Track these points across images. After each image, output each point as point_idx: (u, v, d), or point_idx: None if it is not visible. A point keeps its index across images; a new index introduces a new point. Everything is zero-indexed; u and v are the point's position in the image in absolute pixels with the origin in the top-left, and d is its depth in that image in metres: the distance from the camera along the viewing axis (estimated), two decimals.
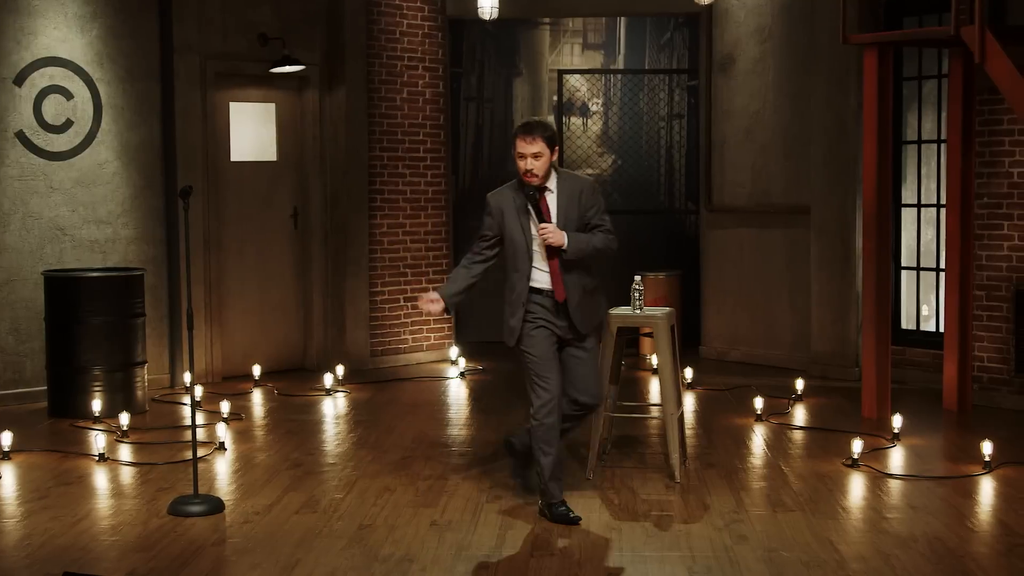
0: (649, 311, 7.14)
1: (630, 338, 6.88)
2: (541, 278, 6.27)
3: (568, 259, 6.20)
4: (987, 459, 7.16)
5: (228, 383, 10.14)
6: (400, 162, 11.17)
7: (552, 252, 6.21)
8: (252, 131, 10.59)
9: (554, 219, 6.23)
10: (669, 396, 6.99)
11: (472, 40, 12.37)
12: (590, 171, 12.55)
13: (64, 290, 8.92)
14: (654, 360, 9.83)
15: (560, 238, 6.16)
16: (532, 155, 6.13)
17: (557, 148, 6.22)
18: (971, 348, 9.00)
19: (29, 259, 9.32)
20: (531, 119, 6.32)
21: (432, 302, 6.37)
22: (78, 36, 9.50)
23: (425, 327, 11.40)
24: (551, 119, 12.49)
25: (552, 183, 6.27)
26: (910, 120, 10.15)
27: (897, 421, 7.94)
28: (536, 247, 6.24)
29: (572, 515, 6.18)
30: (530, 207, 6.20)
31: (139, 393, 9.06)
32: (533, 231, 6.23)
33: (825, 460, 7.45)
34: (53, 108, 9.41)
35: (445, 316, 6.35)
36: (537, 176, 6.15)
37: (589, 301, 6.36)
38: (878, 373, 8.72)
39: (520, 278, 6.27)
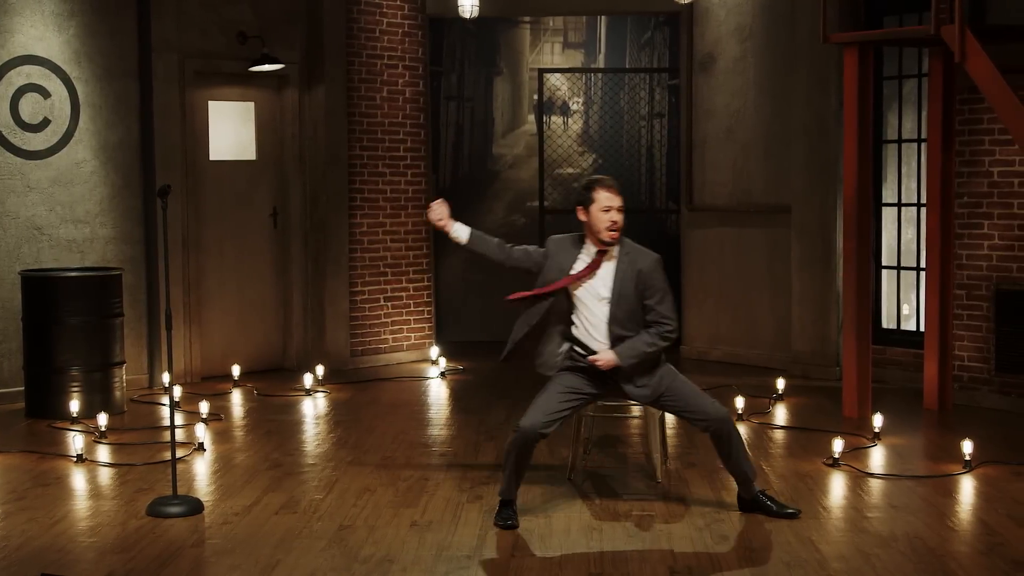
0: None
1: None
2: (583, 334, 6.22)
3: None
4: (967, 458, 7.17)
5: (207, 383, 10.09)
6: (380, 161, 11.14)
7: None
8: (231, 130, 10.55)
9: (609, 291, 6.14)
10: None
11: (452, 39, 12.35)
12: (570, 170, 12.55)
13: (41, 290, 8.86)
14: None
15: (610, 360, 6.09)
16: (617, 208, 6.09)
17: None
18: (951, 347, 9.02)
19: (6, 259, 9.26)
20: (602, 176, 6.32)
21: (444, 213, 6.20)
22: (55, 34, 9.44)
23: (405, 327, 11.38)
24: (532, 118, 12.49)
25: (615, 249, 6.19)
26: (890, 119, 10.17)
27: (878, 420, 7.95)
28: (576, 302, 6.18)
29: (509, 522, 6.14)
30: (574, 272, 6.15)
31: (117, 394, 9.01)
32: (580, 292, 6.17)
33: (806, 459, 7.45)
34: (30, 107, 9.35)
35: (446, 232, 6.17)
36: (619, 233, 6.11)
37: (642, 365, 6.22)
38: (859, 372, 8.73)
39: (557, 325, 6.24)
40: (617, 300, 6.14)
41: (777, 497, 6.38)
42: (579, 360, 6.24)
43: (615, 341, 6.15)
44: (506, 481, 6.20)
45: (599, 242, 6.15)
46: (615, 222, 6.10)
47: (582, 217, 6.17)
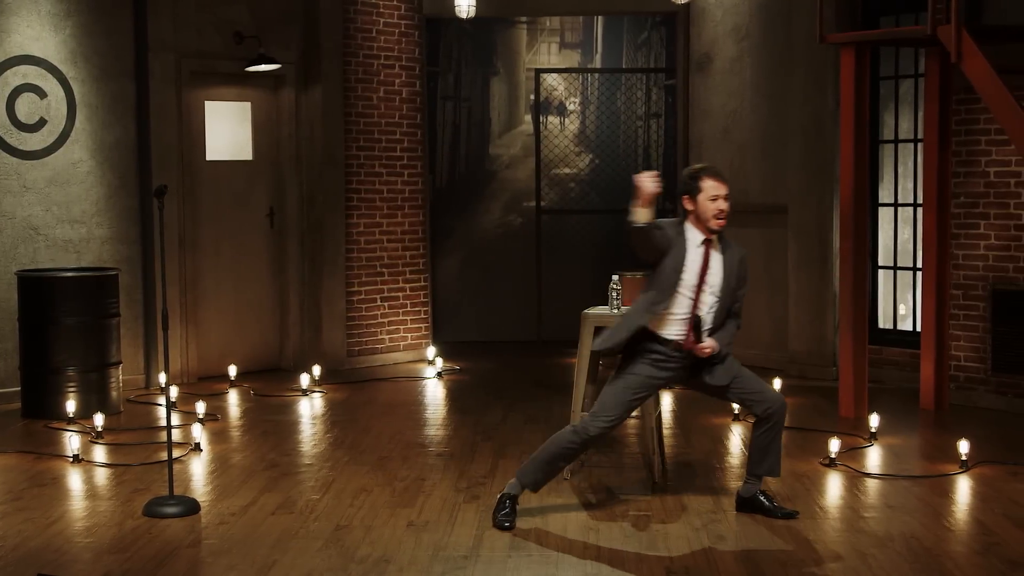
0: (627, 310, 7.12)
1: None
2: (674, 328, 6.15)
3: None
4: (964, 458, 7.17)
5: (204, 383, 10.08)
6: (377, 161, 11.14)
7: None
8: (228, 130, 10.55)
9: (719, 280, 6.11)
10: None
11: (449, 39, 12.35)
12: (567, 170, 12.55)
13: (38, 290, 8.85)
14: None
15: (715, 347, 6.12)
16: (724, 197, 6.07)
17: None
18: (948, 347, 9.02)
19: (2, 259, 9.24)
20: (707, 164, 6.28)
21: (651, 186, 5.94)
22: (51, 34, 9.43)
23: (402, 327, 11.37)
24: (528, 118, 12.49)
25: (715, 239, 6.16)
26: (887, 119, 10.17)
27: (874, 420, 7.95)
28: (681, 289, 6.09)
29: (507, 524, 6.13)
30: (700, 259, 6.08)
31: (114, 394, 9.00)
32: (686, 277, 6.08)
33: (803, 459, 7.45)
34: (26, 107, 9.34)
35: (642, 205, 5.94)
36: (725, 221, 6.08)
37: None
38: (855, 372, 8.73)
39: (657, 308, 6.12)
40: (723, 292, 6.14)
41: (775, 497, 6.38)
42: (655, 350, 6.15)
43: (712, 331, 6.15)
44: (541, 474, 6.19)
45: (707, 231, 6.11)
46: (722, 210, 6.07)
47: (688, 206, 6.11)
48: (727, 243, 6.20)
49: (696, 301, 6.10)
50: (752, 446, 6.33)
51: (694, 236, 6.12)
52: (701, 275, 6.09)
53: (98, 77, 9.67)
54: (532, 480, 6.21)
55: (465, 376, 10.58)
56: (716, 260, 6.14)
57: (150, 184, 9.62)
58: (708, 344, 6.12)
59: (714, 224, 6.08)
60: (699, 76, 11.33)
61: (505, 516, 6.12)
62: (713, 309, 6.14)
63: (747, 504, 6.33)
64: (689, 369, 6.23)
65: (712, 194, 6.06)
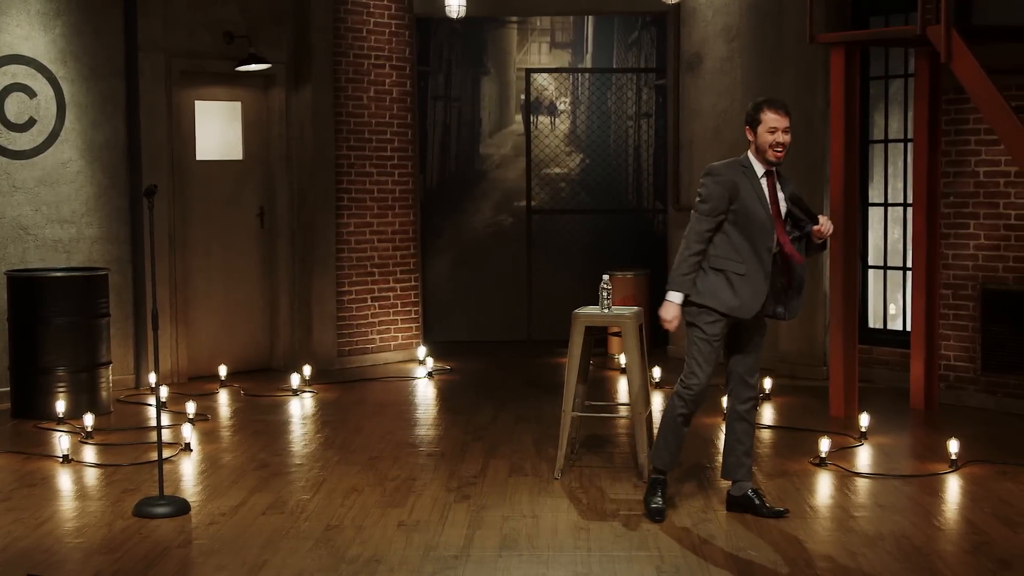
0: (617, 310, 7.14)
1: (598, 337, 6.87)
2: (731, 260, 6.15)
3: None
4: (954, 457, 7.19)
5: (194, 383, 10.07)
6: (367, 161, 11.13)
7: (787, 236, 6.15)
8: (218, 130, 10.53)
9: (783, 207, 6.16)
10: (637, 395, 6.98)
11: (439, 39, 12.34)
12: (558, 170, 12.55)
13: (27, 290, 8.83)
14: (622, 359, 9.84)
15: (830, 229, 6.14)
16: (783, 129, 6.08)
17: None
18: (938, 347, 9.04)
19: None
20: (772, 96, 6.29)
21: (672, 315, 6.17)
22: (41, 34, 9.41)
23: (392, 327, 11.37)
24: (519, 118, 12.49)
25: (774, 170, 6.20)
26: (877, 119, 10.19)
27: (864, 420, 7.96)
28: (753, 227, 6.10)
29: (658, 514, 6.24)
30: (766, 190, 6.11)
31: (104, 394, 8.99)
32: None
33: (793, 459, 7.46)
34: (16, 106, 9.32)
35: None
36: (784, 154, 6.10)
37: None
38: (845, 372, 8.74)
39: (761, 254, 6.11)
40: (787, 220, 6.18)
41: (765, 496, 6.39)
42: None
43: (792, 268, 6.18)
44: (670, 452, 6.30)
45: (765, 162, 6.13)
46: (780, 143, 6.09)
47: (750, 137, 6.16)
48: (785, 180, 6.24)
49: (748, 237, 6.10)
50: (732, 447, 6.38)
51: (757, 168, 6.15)
52: (774, 207, 6.12)
53: (88, 76, 9.65)
54: (667, 459, 6.31)
55: (456, 376, 10.58)
56: (779, 193, 6.19)
57: (140, 184, 9.61)
58: (824, 223, 6.10)
59: (771, 155, 6.10)
60: (689, 76, 11.34)
61: (656, 510, 6.21)
62: (775, 240, 6.14)
63: (737, 503, 6.34)
64: (760, 305, 6.18)
65: (771, 126, 6.08)
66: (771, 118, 6.07)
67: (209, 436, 8.22)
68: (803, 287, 6.27)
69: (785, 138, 6.09)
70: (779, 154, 6.10)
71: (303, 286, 10.83)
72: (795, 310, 6.29)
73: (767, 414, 8.81)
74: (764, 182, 6.13)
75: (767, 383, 9.28)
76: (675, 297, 6.15)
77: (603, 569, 5.51)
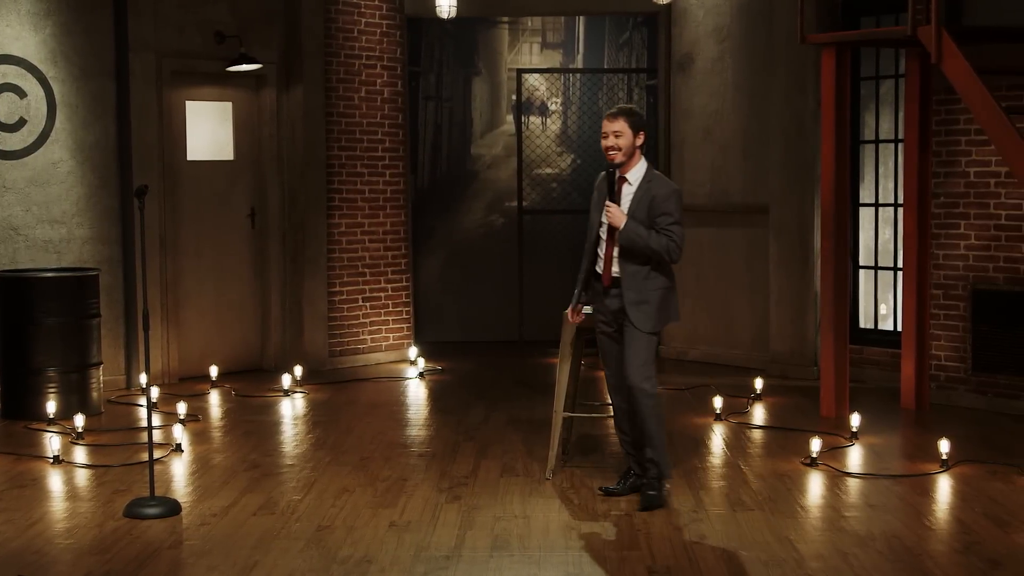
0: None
1: (589, 338, 6.87)
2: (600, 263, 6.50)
3: (621, 246, 6.32)
4: (944, 457, 7.20)
5: (185, 384, 10.06)
6: (358, 161, 11.12)
7: (612, 238, 6.36)
8: (208, 130, 10.52)
9: (624, 209, 6.35)
10: None
11: (431, 39, 12.34)
12: (549, 170, 12.55)
13: (18, 290, 8.82)
14: None
15: (619, 220, 6.29)
16: (613, 132, 6.34)
17: (644, 133, 6.37)
18: (928, 347, 9.06)
19: None
20: (621, 105, 6.67)
21: (578, 315, 6.69)
22: (31, 34, 9.39)
23: (384, 327, 11.36)
24: (510, 118, 12.49)
25: (634, 176, 6.39)
26: (867, 120, 10.20)
27: (855, 420, 7.97)
28: (601, 232, 6.43)
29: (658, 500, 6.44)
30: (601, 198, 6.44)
31: (94, 395, 8.97)
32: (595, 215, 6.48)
33: (784, 459, 7.47)
34: (6, 107, 9.30)
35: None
36: (619, 151, 6.33)
37: (648, 297, 6.37)
38: (836, 372, 8.75)
39: (586, 258, 6.54)
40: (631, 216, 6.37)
41: (663, 487, 6.54)
42: (594, 284, 6.56)
43: (621, 266, 6.39)
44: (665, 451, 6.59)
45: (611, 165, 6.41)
46: (609, 147, 6.37)
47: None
48: (654, 181, 6.40)
49: (601, 241, 6.45)
50: (635, 450, 6.62)
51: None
52: (610, 210, 6.36)
53: (78, 76, 9.63)
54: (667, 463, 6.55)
55: (447, 376, 10.57)
56: (627, 194, 6.38)
57: (131, 184, 9.59)
58: (614, 207, 6.32)
59: (608, 159, 6.40)
60: (681, 76, 11.35)
61: (654, 497, 6.43)
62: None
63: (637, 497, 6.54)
64: (611, 311, 6.48)
65: (603, 131, 6.43)
66: (603, 125, 6.43)
67: (200, 437, 8.21)
68: (643, 299, 6.41)
69: (615, 141, 6.38)
70: (610, 155, 6.40)
71: (294, 286, 10.82)
72: (639, 321, 6.42)
73: (758, 414, 8.82)
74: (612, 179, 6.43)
75: (758, 383, 9.29)
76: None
77: (594, 569, 5.51)
